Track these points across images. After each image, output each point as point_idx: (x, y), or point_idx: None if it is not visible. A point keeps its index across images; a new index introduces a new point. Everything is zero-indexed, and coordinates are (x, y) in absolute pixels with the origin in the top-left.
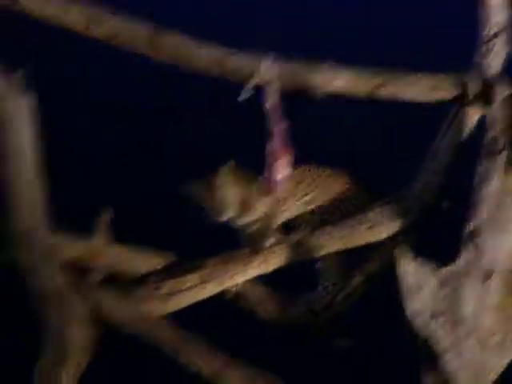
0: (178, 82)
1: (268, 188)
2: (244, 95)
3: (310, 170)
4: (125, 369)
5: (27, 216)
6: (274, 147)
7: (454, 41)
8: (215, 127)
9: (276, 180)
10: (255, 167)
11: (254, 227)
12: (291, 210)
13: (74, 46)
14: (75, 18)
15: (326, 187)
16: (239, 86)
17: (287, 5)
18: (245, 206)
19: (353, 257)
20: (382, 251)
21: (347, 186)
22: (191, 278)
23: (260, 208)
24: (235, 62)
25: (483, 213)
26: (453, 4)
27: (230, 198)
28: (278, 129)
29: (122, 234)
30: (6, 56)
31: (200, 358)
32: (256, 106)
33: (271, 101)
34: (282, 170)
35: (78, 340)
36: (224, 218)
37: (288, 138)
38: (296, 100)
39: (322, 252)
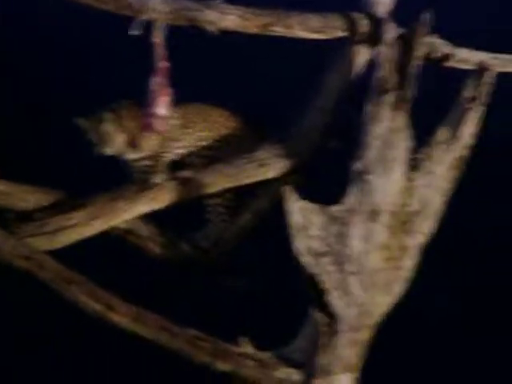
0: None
1: (149, 124)
2: (133, 30)
3: (199, 109)
4: (8, 305)
5: None
6: (156, 84)
7: None
8: (106, 62)
9: (157, 116)
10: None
11: (143, 164)
12: (180, 147)
13: None
14: None
15: (217, 126)
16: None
17: None
18: (131, 142)
19: (241, 195)
20: (271, 189)
21: (237, 124)
22: (78, 215)
23: (148, 145)
24: None
25: (371, 152)
26: None
27: (116, 133)
28: (162, 65)
29: (10, 171)
30: None
31: (86, 296)
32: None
33: (158, 37)
34: (163, 106)
35: None
36: (107, 152)
37: (169, 75)
38: (189, 38)
39: (212, 189)
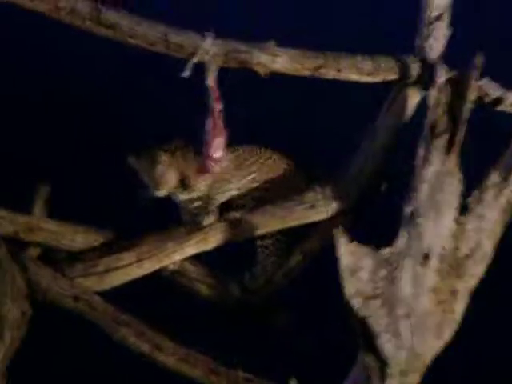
0: (120, 58)
1: (204, 166)
2: (186, 72)
3: (251, 151)
4: (58, 345)
5: None
6: (210, 126)
7: (395, 22)
8: (158, 103)
9: (212, 158)
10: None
11: (195, 205)
12: (232, 189)
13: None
14: None
15: (267, 168)
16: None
17: None
18: (185, 183)
19: (292, 236)
20: (321, 231)
21: (287, 166)
22: (127, 256)
23: (200, 186)
24: (178, 38)
25: (422, 195)
26: None
27: (169, 174)
28: (216, 108)
29: (60, 210)
30: None
31: (134, 337)
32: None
33: (211, 79)
34: (217, 148)
35: (12, 315)
36: (160, 193)
37: (223, 117)
38: (238, 79)
39: (261, 231)
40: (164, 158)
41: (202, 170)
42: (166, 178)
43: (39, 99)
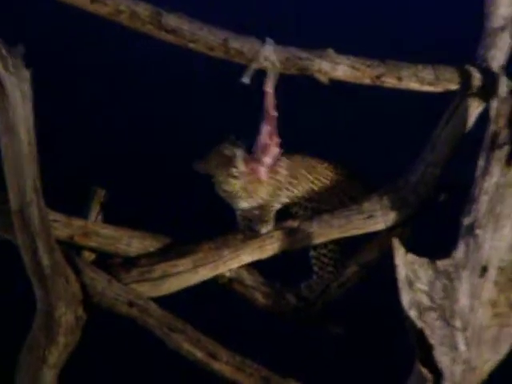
0: (178, 63)
1: (256, 171)
2: (246, 77)
3: (306, 160)
4: (113, 350)
5: (23, 193)
6: (265, 132)
7: (458, 32)
8: (212, 108)
9: (264, 164)
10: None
11: (251, 213)
12: (287, 197)
13: (69, 28)
14: None
15: (322, 177)
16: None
17: None
18: (247, 191)
19: (348, 246)
20: (378, 241)
21: (342, 176)
22: (184, 262)
23: (262, 194)
24: (238, 44)
25: (482, 206)
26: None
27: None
28: (272, 115)
29: (117, 215)
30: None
31: (189, 344)
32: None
33: (269, 86)
34: (270, 155)
35: (66, 320)
36: (238, 204)
37: (277, 125)
38: (296, 87)
39: (319, 240)
40: (241, 156)
41: (253, 174)
42: (240, 171)
43: (97, 103)
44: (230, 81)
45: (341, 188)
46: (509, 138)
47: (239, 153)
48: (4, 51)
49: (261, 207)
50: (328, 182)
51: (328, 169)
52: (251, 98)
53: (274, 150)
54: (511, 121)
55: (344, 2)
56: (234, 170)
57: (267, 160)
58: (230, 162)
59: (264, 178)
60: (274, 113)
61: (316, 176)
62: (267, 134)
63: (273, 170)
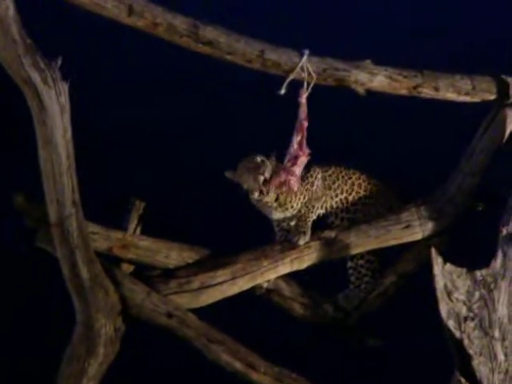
0: (213, 74)
1: (286, 181)
2: (282, 90)
3: (341, 171)
4: (151, 362)
5: (62, 206)
6: (297, 142)
7: (495, 43)
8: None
9: (294, 174)
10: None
11: (288, 224)
12: (322, 208)
13: (103, 36)
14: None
15: (357, 188)
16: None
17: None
18: (279, 201)
19: (386, 256)
20: (416, 252)
21: (377, 187)
22: (222, 273)
23: (294, 204)
24: (275, 55)
25: None
26: (495, 6)
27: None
28: (303, 125)
29: (155, 227)
30: (43, 46)
31: (228, 355)
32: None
33: (304, 97)
34: (300, 165)
35: (106, 331)
36: (271, 214)
37: (306, 136)
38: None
39: (356, 250)
40: (266, 163)
41: (282, 184)
42: (269, 181)
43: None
44: (267, 91)
45: (376, 198)
46: None
47: (267, 162)
48: (42, 65)
49: (298, 218)
50: (363, 193)
51: (363, 179)
52: (283, 107)
53: (304, 161)
54: None
55: (378, 12)
56: (261, 178)
57: (297, 170)
58: (258, 170)
59: (294, 188)
60: (305, 124)
61: (351, 187)
62: (298, 144)
63: (308, 181)
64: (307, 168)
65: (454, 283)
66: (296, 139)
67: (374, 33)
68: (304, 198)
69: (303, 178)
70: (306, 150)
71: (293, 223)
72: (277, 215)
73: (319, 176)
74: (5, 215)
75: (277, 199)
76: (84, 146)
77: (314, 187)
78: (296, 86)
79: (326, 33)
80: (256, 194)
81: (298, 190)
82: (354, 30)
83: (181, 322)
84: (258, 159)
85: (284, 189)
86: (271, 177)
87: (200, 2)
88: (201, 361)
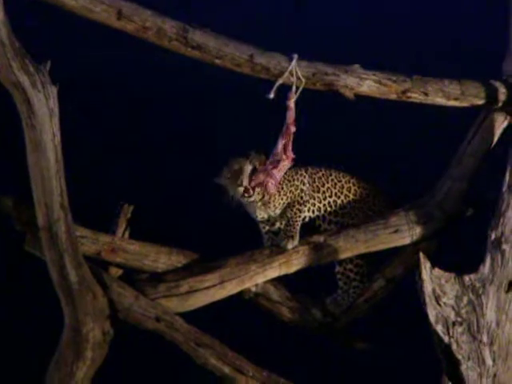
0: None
1: (264, 182)
2: (271, 94)
3: (329, 174)
4: (139, 366)
5: (50, 210)
6: (280, 146)
7: (483, 48)
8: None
9: (274, 177)
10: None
11: (275, 227)
12: (310, 211)
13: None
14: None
15: (346, 192)
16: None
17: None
18: (263, 201)
19: (374, 261)
20: (404, 256)
21: (366, 191)
22: (211, 277)
23: (276, 204)
24: (264, 59)
25: (509, 221)
26: (483, 12)
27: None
28: (290, 130)
29: (143, 231)
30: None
31: (216, 359)
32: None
33: (292, 101)
34: (281, 170)
35: (94, 335)
36: (256, 213)
37: (292, 141)
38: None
39: (345, 255)
40: (244, 165)
41: (260, 185)
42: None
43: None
44: (254, 95)
45: (365, 202)
46: None
47: (246, 166)
48: (31, 68)
49: (285, 222)
50: (352, 196)
51: (353, 183)
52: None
53: (287, 166)
54: None
55: (367, 16)
56: (239, 181)
57: (277, 174)
58: (238, 174)
59: (271, 191)
60: (293, 128)
61: (340, 190)
62: (282, 148)
63: (293, 182)
64: (295, 169)
65: (443, 288)
66: (281, 142)
67: (363, 37)
68: (287, 200)
69: (289, 179)
70: (291, 155)
71: (277, 225)
72: (261, 214)
73: (306, 179)
74: None
75: (262, 197)
76: (73, 150)
77: (299, 190)
78: (286, 90)
79: (314, 37)
80: (240, 191)
81: (281, 190)
82: (344, 34)
83: (169, 326)
84: (237, 165)
85: (260, 189)
86: (251, 177)
87: (189, 7)
88: (189, 365)
